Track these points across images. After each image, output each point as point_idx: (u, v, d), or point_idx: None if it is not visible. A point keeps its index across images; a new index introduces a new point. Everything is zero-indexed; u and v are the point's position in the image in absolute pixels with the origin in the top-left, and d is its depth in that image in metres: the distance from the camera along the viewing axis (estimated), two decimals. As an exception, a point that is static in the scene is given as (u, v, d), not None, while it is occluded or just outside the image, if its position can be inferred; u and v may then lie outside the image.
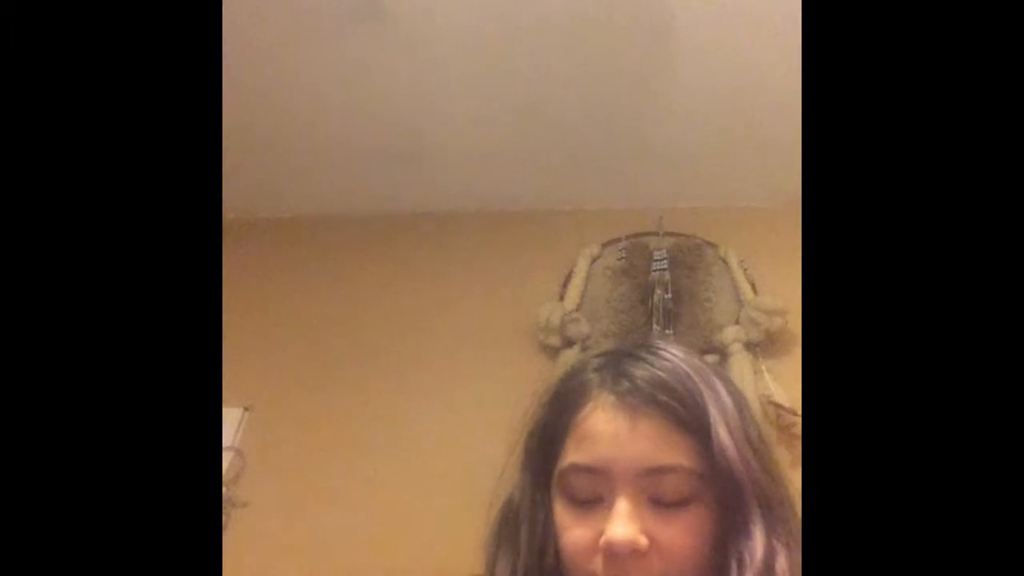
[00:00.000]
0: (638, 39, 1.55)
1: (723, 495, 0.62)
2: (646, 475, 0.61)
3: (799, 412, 1.48)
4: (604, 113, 1.71)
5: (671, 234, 1.82)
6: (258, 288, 1.87)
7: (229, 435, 1.64)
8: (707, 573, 0.61)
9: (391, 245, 1.94)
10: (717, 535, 0.61)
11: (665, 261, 1.72)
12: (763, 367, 1.59)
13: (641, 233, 1.84)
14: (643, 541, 0.59)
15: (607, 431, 0.64)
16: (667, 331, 1.63)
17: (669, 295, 1.67)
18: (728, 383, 0.69)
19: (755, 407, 1.49)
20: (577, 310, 1.72)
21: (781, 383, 1.56)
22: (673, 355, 0.68)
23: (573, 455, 0.65)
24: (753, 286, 1.70)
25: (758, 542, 0.60)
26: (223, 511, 1.52)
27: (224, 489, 1.55)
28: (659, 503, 0.61)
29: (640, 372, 0.66)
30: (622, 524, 0.59)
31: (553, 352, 1.67)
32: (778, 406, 1.51)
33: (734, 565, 0.60)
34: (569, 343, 1.67)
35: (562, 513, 0.64)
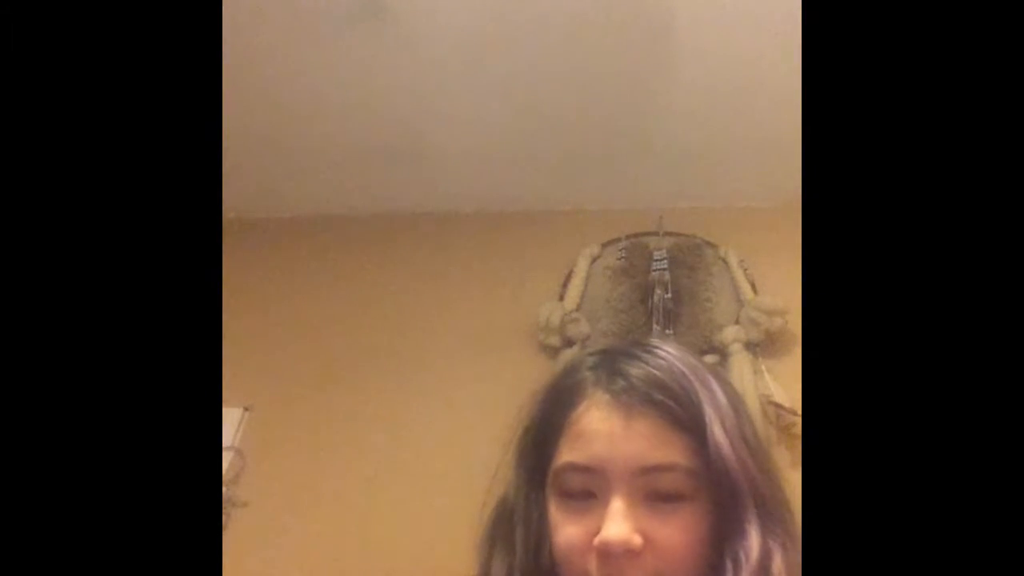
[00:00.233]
0: (638, 39, 1.55)
1: (718, 494, 0.62)
2: (641, 474, 0.61)
3: (799, 412, 1.48)
4: (604, 113, 1.71)
5: (671, 234, 1.82)
6: (258, 288, 1.87)
7: (229, 435, 1.64)
8: (702, 572, 0.61)
9: (391, 245, 1.94)
10: (712, 534, 0.61)
11: (665, 261, 1.72)
12: (763, 367, 1.59)
13: (641, 233, 1.83)
14: (637, 540, 0.59)
15: (602, 430, 0.64)
16: (667, 331, 1.63)
17: (669, 295, 1.67)
18: (724, 382, 0.69)
19: (755, 407, 1.50)
20: (577, 310, 1.72)
21: (781, 383, 1.56)
22: (668, 353, 0.68)
23: (568, 454, 0.65)
24: (753, 286, 1.70)
25: (754, 542, 0.60)
26: (223, 511, 1.52)
27: (224, 489, 1.54)
28: (654, 502, 0.61)
29: (635, 371, 0.66)
30: (617, 523, 0.59)
31: (553, 352, 1.67)
32: (778, 406, 1.51)
33: (729, 565, 0.60)
34: (569, 343, 1.67)
35: (556, 512, 0.64)
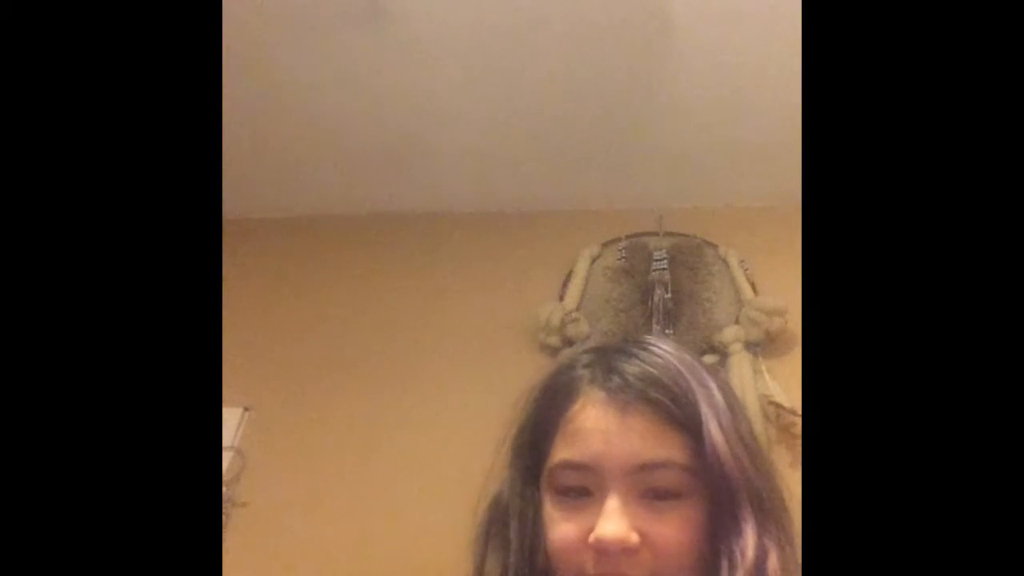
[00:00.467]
0: (638, 39, 1.55)
1: (714, 492, 0.62)
2: (637, 471, 0.61)
3: (799, 412, 1.48)
4: (604, 113, 1.71)
5: (671, 234, 1.82)
6: (258, 288, 1.87)
7: (229, 435, 1.64)
8: (698, 570, 0.61)
9: (391, 245, 1.94)
10: (708, 532, 0.61)
11: (665, 261, 1.72)
12: (763, 367, 1.59)
13: (641, 233, 1.83)
14: (634, 538, 0.59)
15: (597, 427, 0.63)
16: (667, 331, 1.63)
17: (669, 295, 1.67)
18: (719, 379, 0.69)
19: (755, 407, 1.50)
20: (577, 310, 1.72)
21: (781, 383, 1.56)
22: (664, 351, 0.68)
23: (563, 451, 0.64)
24: (753, 286, 1.70)
25: (749, 540, 0.60)
26: (223, 511, 1.52)
27: (224, 489, 1.54)
28: (650, 499, 0.61)
29: (631, 368, 0.66)
30: (612, 521, 0.59)
31: (553, 352, 1.67)
32: (778, 406, 1.51)
33: (725, 563, 0.60)
34: (569, 343, 1.67)
35: (551, 510, 0.64)
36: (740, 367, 1.57)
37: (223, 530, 1.50)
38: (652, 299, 1.67)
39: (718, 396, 0.66)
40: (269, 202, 1.98)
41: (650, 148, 1.78)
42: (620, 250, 1.81)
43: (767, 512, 0.63)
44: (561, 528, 0.63)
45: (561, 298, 1.75)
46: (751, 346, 1.62)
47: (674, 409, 0.63)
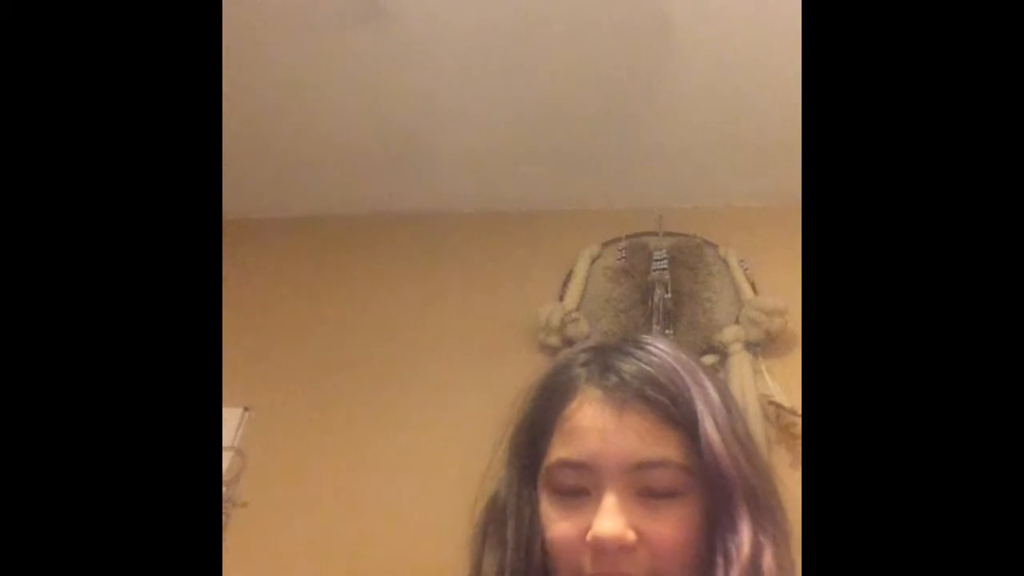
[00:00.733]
0: (638, 39, 1.55)
1: (710, 490, 0.62)
2: (633, 469, 0.62)
3: (799, 412, 1.48)
4: (604, 113, 1.71)
5: (671, 234, 1.82)
6: (258, 288, 1.87)
7: (229, 435, 1.64)
8: (694, 568, 0.61)
9: (391, 245, 1.94)
10: (704, 530, 0.62)
11: (665, 261, 1.72)
12: (763, 367, 1.59)
13: (641, 233, 1.83)
14: (631, 536, 0.59)
15: (594, 426, 0.64)
16: (667, 331, 1.63)
17: (669, 295, 1.67)
18: (715, 379, 0.70)
19: (755, 407, 1.50)
20: (577, 310, 1.72)
21: (781, 383, 1.56)
22: (661, 350, 0.68)
23: (560, 450, 0.65)
24: (753, 286, 1.70)
25: (744, 537, 0.60)
26: (223, 511, 1.52)
27: (224, 489, 1.54)
28: (647, 498, 0.61)
29: (627, 367, 0.66)
30: (610, 519, 0.59)
31: (553, 352, 1.67)
32: (778, 406, 1.51)
33: (720, 560, 0.60)
34: (569, 343, 1.66)
35: (548, 508, 0.64)
36: (740, 367, 1.58)
37: (223, 530, 1.50)
38: (652, 299, 1.67)
39: (714, 395, 0.66)
40: (269, 202, 1.98)
41: (650, 148, 1.78)
42: (620, 250, 1.81)
43: (762, 509, 0.63)
44: (559, 527, 0.63)
45: (561, 298, 1.75)
46: (751, 346, 1.62)
47: (671, 408, 0.63)
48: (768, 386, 1.56)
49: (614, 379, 0.65)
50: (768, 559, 0.61)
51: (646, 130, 1.74)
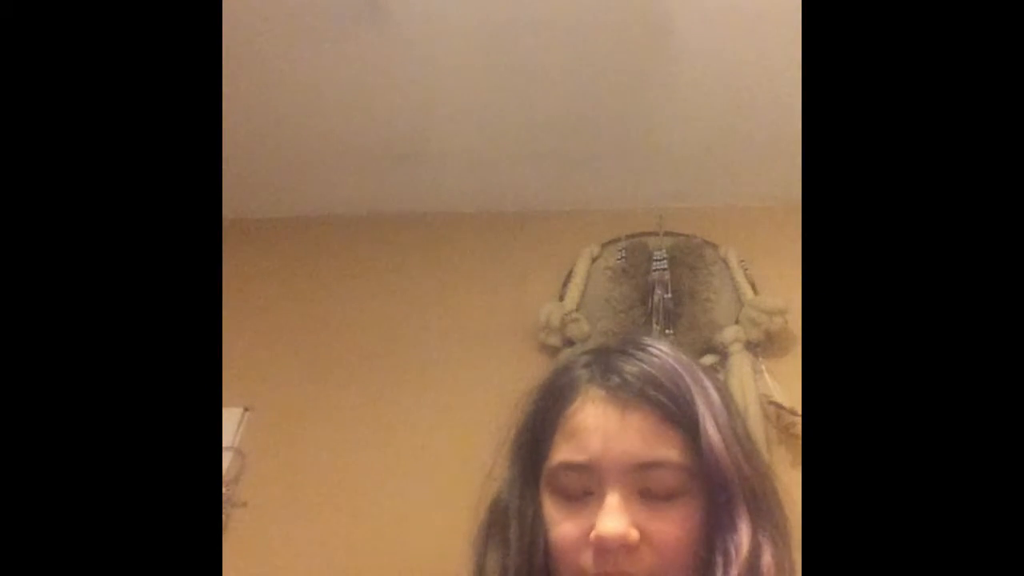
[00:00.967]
0: (638, 39, 1.55)
1: (710, 490, 0.62)
2: (636, 469, 0.62)
3: (799, 412, 1.48)
4: (604, 113, 1.71)
5: (671, 234, 1.82)
6: (258, 288, 1.87)
7: (229, 435, 1.64)
8: (696, 568, 0.61)
9: (391, 245, 1.94)
10: (705, 530, 0.62)
11: (665, 261, 1.72)
12: (763, 367, 1.59)
13: (641, 233, 1.83)
14: (634, 535, 0.59)
15: (597, 426, 0.64)
16: (667, 331, 1.63)
17: (669, 295, 1.67)
18: (715, 380, 0.70)
19: (755, 407, 1.50)
20: (577, 310, 1.72)
21: (781, 383, 1.56)
22: (661, 351, 0.68)
23: (563, 451, 0.65)
24: (753, 286, 1.70)
25: (744, 536, 0.61)
26: (223, 511, 1.52)
27: (224, 489, 1.54)
28: (649, 497, 0.62)
29: (630, 367, 0.66)
30: (613, 518, 0.60)
31: (553, 352, 1.67)
32: (778, 406, 1.51)
33: (720, 559, 0.60)
34: (569, 343, 1.67)
35: (551, 509, 0.64)
36: (740, 367, 1.58)
37: (223, 530, 1.50)
38: (652, 299, 1.67)
39: (714, 395, 0.66)
40: (269, 202, 1.98)
41: (650, 148, 1.78)
42: (620, 250, 1.81)
43: (762, 510, 0.63)
44: (561, 527, 0.63)
45: (561, 298, 1.75)
46: (751, 346, 1.62)
47: (672, 408, 0.64)
48: (768, 386, 1.56)
49: (616, 379, 0.66)
50: (767, 558, 0.61)
51: (646, 130, 1.74)
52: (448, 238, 1.93)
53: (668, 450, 0.62)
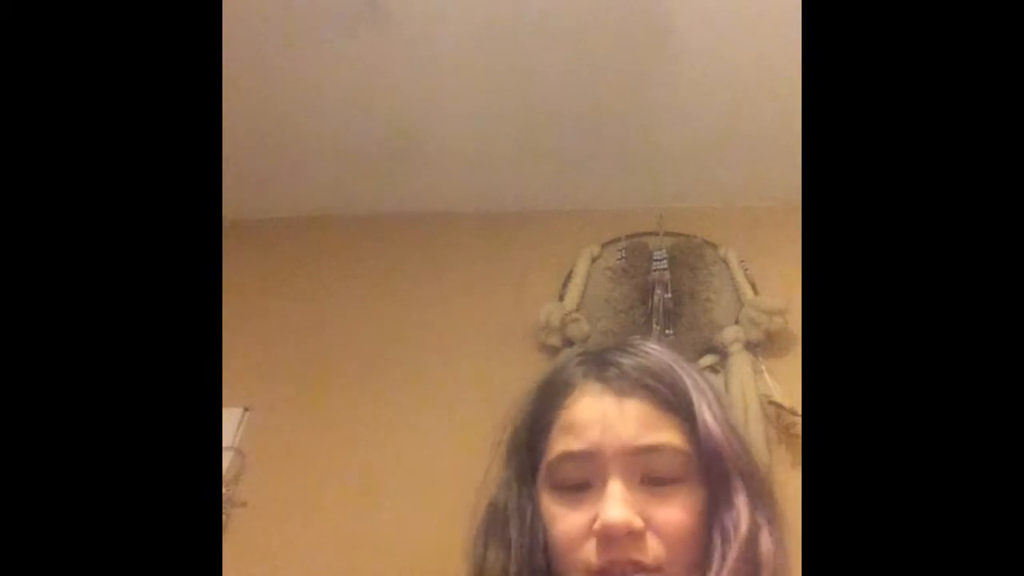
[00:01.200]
0: (638, 39, 1.55)
1: (709, 473, 0.63)
2: (636, 454, 0.62)
3: (799, 412, 1.48)
4: (604, 113, 1.71)
5: (671, 234, 1.82)
6: (258, 288, 1.87)
7: (229, 435, 1.64)
8: (699, 553, 0.61)
9: (391, 245, 1.94)
10: (705, 514, 0.63)
11: (665, 261, 1.72)
12: (763, 367, 1.59)
13: (641, 233, 1.84)
14: (639, 522, 0.60)
15: (595, 415, 0.65)
16: (667, 331, 1.63)
17: (669, 295, 1.67)
18: (707, 378, 0.72)
19: (755, 407, 1.50)
20: (577, 310, 1.72)
21: (781, 383, 1.56)
22: (654, 349, 0.71)
23: (561, 444, 0.65)
24: (753, 286, 1.70)
25: (742, 515, 0.62)
26: (223, 511, 1.52)
27: (224, 489, 1.54)
28: (651, 484, 0.62)
29: (626, 360, 0.68)
30: (617, 506, 0.60)
31: (553, 352, 1.67)
32: (778, 406, 1.51)
33: (718, 538, 0.61)
34: (569, 343, 1.67)
35: (551, 505, 0.65)
36: (740, 367, 1.58)
37: (223, 530, 1.50)
38: (652, 299, 1.67)
39: (705, 386, 0.68)
40: (269, 202, 1.98)
41: (650, 148, 1.78)
42: (620, 250, 1.81)
43: (758, 492, 0.64)
44: (563, 522, 0.63)
45: (561, 298, 1.75)
46: (751, 346, 1.62)
47: (668, 395, 0.65)
48: (768, 386, 1.56)
49: (614, 371, 0.67)
50: (765, 537, 0.62)
51: (646, 130, 1.74)
52: (448, 238, 1.93)
53: (668, 434, 0.64)
